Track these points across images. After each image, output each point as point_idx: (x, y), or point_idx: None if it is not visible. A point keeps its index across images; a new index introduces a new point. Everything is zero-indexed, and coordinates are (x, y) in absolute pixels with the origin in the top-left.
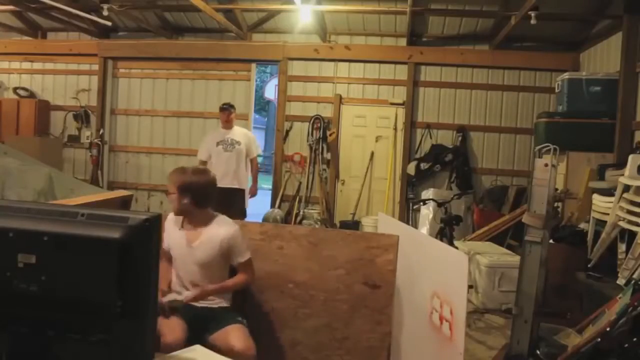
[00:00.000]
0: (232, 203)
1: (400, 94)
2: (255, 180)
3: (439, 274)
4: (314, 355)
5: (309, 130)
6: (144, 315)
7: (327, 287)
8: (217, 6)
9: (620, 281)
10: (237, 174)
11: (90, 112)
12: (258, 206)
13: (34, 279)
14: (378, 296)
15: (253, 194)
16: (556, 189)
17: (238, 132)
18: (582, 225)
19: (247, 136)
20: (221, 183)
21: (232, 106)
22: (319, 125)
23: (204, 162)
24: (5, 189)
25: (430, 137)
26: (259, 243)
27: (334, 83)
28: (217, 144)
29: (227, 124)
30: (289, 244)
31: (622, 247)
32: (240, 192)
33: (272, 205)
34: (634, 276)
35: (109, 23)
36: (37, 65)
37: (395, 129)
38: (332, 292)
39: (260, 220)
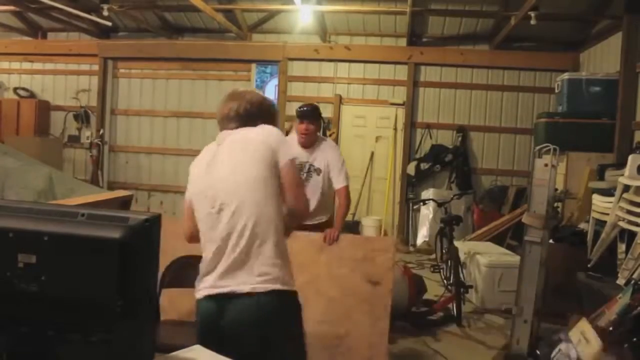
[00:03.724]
0: None
1: (400, 94)
2: (339, 225)
3: None
4: (314, 354)
5: None
6: (144, 315)
7: (328, 287)
8: (217, 6)
9: (620, 281)
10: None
11: (90, 112)
12: None
13: (34, 279)
14: (378, 293)
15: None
16: (556, 189)
17: (321, 151)
18: (582, 225)
19: (329, 157)
20: None
21: (316, 109)
22: None
23: None
24: (5, 189)
25: (430, 137)
26: None
27: (334, 83)
28: None
29: (306, 139)
30: (289, 244)
31: (621, 247)
32: None
33: None
34: (634, 276)
35: (109, 23)
36: (37, 66)
37: (395, 129)
38: (333, 291)
39: None
